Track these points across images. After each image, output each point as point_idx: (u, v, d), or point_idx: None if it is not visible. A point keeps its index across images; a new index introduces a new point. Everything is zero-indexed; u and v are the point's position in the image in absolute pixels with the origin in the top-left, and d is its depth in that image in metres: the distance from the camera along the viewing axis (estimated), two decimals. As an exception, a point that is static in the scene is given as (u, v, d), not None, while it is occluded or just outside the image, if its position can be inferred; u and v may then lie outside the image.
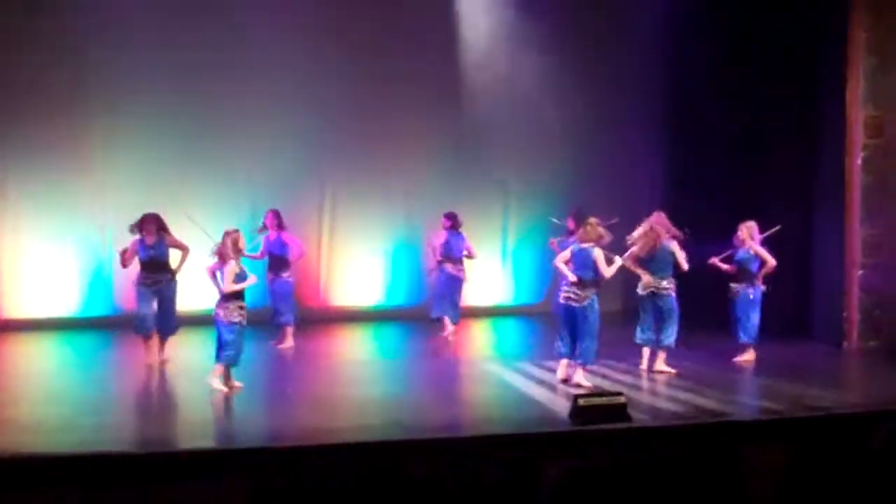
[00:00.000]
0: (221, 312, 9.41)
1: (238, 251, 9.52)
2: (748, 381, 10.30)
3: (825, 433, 8.23)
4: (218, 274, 9.47)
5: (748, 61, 13.20)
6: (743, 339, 10.97)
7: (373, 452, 7.38)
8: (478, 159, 14.78)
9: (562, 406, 8.40)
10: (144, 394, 9.92)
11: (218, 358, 9.44)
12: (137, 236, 10.66)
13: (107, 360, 11.68)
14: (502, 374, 10.59)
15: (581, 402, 8.03)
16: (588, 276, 9.74)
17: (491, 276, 15.05)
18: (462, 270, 12.73)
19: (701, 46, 13.62)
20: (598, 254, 9.74)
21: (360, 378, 10.46)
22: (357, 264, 14.60)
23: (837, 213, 12.10)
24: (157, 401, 9.86)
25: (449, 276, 12.63)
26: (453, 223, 12.70)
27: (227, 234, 9.53)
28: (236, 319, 9.41)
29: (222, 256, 9.44)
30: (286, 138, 13.97)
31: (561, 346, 9.88)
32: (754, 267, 10.99)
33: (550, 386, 9.74)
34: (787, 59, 12.75)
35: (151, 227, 10.65)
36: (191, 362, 10.66)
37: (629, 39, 14.78)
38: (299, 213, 13.81)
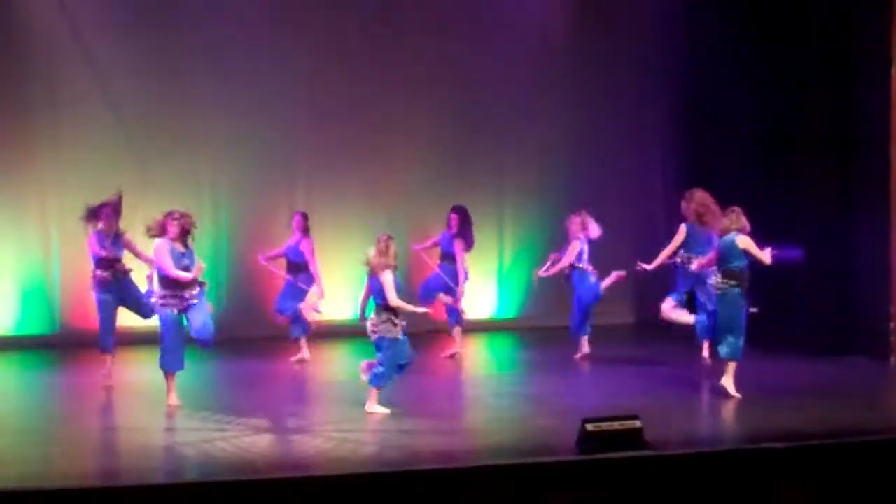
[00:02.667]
0: (381, 327, 9.44)
1: (395, 257, 9.58)
2: (781, 402, 10.25)
3: (866, 462, 8.19)
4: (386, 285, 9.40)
5: (774, 47, 13.18)
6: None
7: (357, 487, 7.33)
8: (471, 162, 14.77)
9: (568, 431, 8.34)
10: (93, 421, 9.85)
11: (373, 381, 9.50)
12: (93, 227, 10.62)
13: (49, 383, 11.56)
14: (499, 395, 10.57)
15: (590, 427, 7.97)
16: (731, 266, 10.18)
17: (485, 289, 15.02)
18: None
19: (721, 31, 13.63)
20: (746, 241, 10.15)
21: (340, 399, 10.41)
22: (337, 275, 14.53)
23: (880, 216, 12.06)
24: (107, 428, 9.78)
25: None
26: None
27: (380, 240, 9.60)
28: (393, 334, 9.43)
29: (378, 266, 9.45)
30: (254, 138, 13.94)
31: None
32: None
33: (554, 408, 9.69)
34: (820, 44, 12.72)
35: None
36: (141, 383, 10.63)
37: (641, 26, 14.85)
38: (267, 219, 13.81)
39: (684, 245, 11.63)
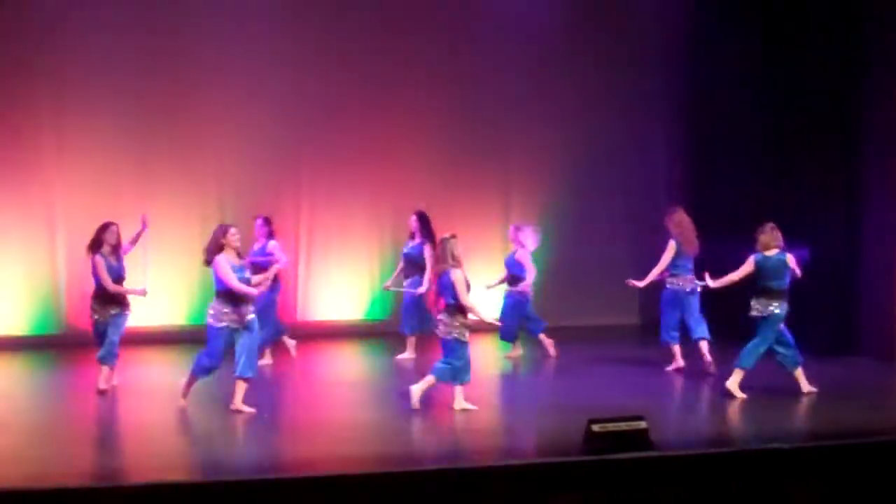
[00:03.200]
0: (453, 330, 9.44)
1: (460, 255, 9.54)
2: (788, 403, 10.22)
3: (872, 463, 8.16)
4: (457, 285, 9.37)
5: (778, 45, 13.15)
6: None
7: (359, 487, 7.31)
8: (475, 160, 14.76)
9: (574, 432, 8.32)
10: (99, 421, 9.84)
11: (456, 378, 9.49)
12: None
13: (55, 383, 11.57)
14: (505, 396, 10.54)
15: (596, 427, 7.95)
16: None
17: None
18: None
19: (724, 29, 13.60)
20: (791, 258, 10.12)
21: (344, 401, 10.41)
22: (339, 276, 14.53)
23: (886, 216, 12.05)
24: (113, 429, 9.77)
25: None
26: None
27: (443, 240, 9.60)
28: (464, 337, 9.47)
29: (447, 265, 9.44)
30: (260, 137, 13.93)
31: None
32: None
33: (559, 409, 9.68)
34: (824, 42, 12.68)
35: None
36: (146, 385, 10.65)
37: (644, 25, 14.84)
38: (271, 211, 13.79)
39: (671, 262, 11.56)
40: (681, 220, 11.51)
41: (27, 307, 13.41)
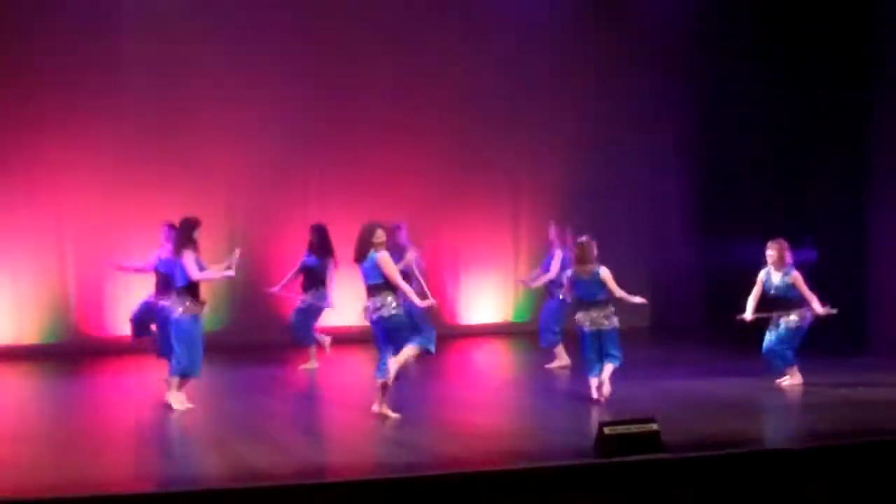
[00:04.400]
0: (607, 320, 10.02)
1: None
2: (799, 404, 10.23)
3: (887, 463, 8.15)
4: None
5: (791, 42, 13.17)
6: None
7: (373, 491, 7.32)
8: (485, 161, 14.79)
9: (585, 435, 8.33)
10: (118, 429, 9.85)
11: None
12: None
13: (69, 392, 11.57)
14: (515, 399, 10.54)
15: (607, 430, 7.95)
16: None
17: (500, 292, 15.01)
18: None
19: (737, 28, 13.62)
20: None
21: (351, 405, 10.40)
22: (345, 276, 14.54)
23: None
24: (131, 436, 9.78)
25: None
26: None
27: (585, 242, 10.11)
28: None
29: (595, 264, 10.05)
30: (267, 144, 14.00)
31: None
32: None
33: (571, 412, 9.67)
34: (834, 42, 12.71)
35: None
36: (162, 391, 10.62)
37: (658, 22, 14.85)
38: (280, 216, 13.84)
39: None
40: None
41: (37, 315, 13.46)
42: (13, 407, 10.73)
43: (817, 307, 10.37)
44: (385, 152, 14.46)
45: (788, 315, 10.44)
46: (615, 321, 10.17)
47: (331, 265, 11.96)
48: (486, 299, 15.12)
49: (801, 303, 10.44)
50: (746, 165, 13.81)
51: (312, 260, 12.10)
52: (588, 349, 10.10)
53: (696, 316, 14.88)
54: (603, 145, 14.96)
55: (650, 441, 7.94)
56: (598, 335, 10.09)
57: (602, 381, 9.98)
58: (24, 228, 13.43)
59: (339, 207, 14.17)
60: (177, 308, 9.76)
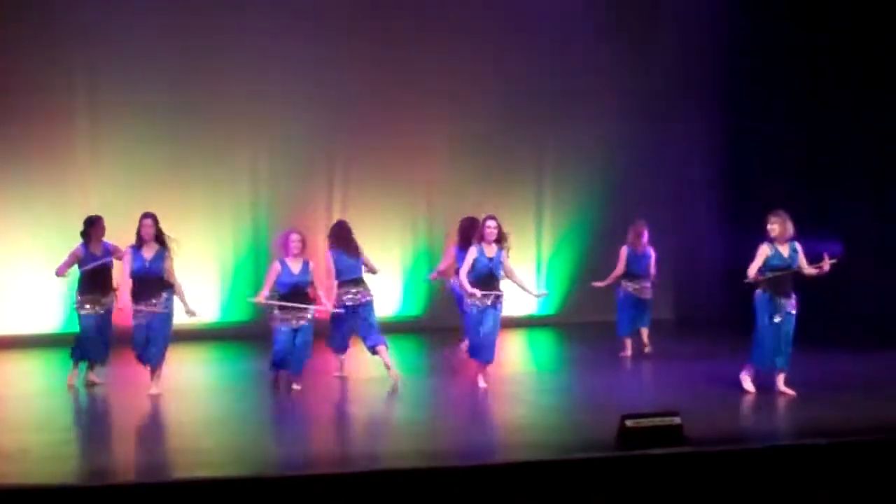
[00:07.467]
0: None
1: None
2: (822, 398, 10.18)
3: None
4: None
5: (816, 39, 13.11)
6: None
7: (392, 482, 7.35)
8: (509, 155, 14.79)
9: (607, 427, 8.33)
10: (137, 418, 9.92)
11: None
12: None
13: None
14: (538, 392, 10.56)
15: (629, 423, 7.95)
16: None
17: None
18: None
19: (759, 33, 13.59)
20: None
21: (375, 398, 10.45)
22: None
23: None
24: (150, 426, 9.85)
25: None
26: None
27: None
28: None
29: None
30: (293, 131, 14.07)
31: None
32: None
33: (594, 405, 9.69)
34: (860, 39, 12.66)
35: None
36: (180, 383, 10.74)
37: (681, 26, 14.84)
38: (305, 212, 13.87)
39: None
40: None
41: (60, 305, 13.55)
42: (37, 395, 10.79)
43: (811, 270, 10.06)
44: (410, 144, 14.48)
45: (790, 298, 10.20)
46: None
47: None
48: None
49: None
50: (774, 159, 13.75)
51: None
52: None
53: (721, 309, 14.83)
54: (627, 139, 14.93)
55: (672, 434, 7.94)
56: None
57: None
58: (51, 219, 13.48)
59: (360, 202, 14.24)
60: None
